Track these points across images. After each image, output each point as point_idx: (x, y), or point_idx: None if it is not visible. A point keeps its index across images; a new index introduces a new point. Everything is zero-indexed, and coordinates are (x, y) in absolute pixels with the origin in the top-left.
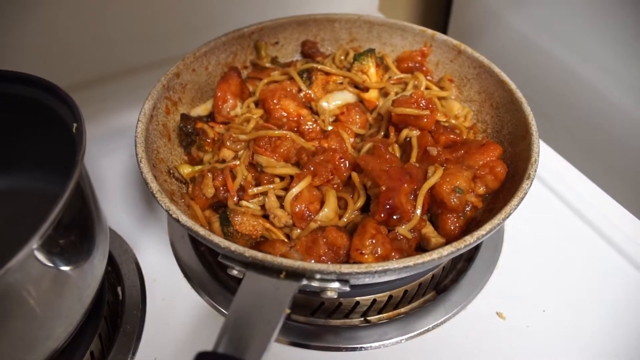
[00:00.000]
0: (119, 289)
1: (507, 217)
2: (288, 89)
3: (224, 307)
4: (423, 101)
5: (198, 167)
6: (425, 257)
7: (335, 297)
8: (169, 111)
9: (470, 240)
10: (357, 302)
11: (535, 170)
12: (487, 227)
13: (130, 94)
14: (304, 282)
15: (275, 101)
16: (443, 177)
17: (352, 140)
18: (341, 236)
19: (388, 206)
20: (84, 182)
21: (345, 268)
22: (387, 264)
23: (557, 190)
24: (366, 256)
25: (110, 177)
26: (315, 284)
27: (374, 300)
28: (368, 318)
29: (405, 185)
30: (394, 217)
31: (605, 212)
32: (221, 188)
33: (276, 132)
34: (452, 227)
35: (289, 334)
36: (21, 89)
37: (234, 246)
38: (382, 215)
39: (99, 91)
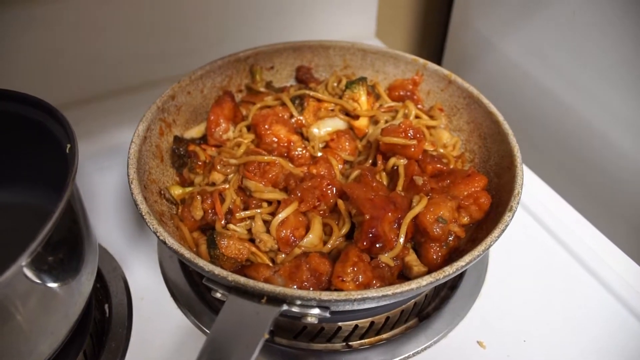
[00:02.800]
0: (106, 306)
1: (488, 248)
2: (280, 115)
3: (209, 328)
4: (411, 131)
5: (189, 189)
6: (404, 287)
7: (316, 322)
8: (162, 132)
9: (449, 271)
10: (339, 327)
11: (518, 203)
12: (467, 258)
13: (125, 112)
14: (285, 307)
15: (266, 126)
16: (427, 207)
17: (340, 167)
18: (324, 262)
19: (371, 235)
20: (75, 201)
21: (325, 295)
22: (366, 292)
23: (543, 221)
24: (347, 283)
25: (103, 194)
26: (295, 309)
27: (356, 326)
28: (350, 343)
29: (389, 214)
30: (377, 245)
31: (591, 245)
32: (210, 211)
33: (265, 158)
34: (435, 257)
35: (272, 357)
36: (17, 107)
37: (217, 270)
38: (365, 243)
39: (95, 109)
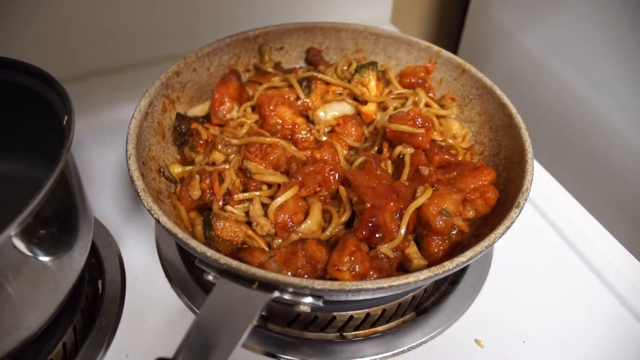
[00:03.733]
0: (99, 282)
1: (491, 245)
2: (286, 96)
3: None
4: (419, 119)
5: (188, 168)
6: (401, 280)
7: (309, 311)
8: (165, 109)
9: (449, 266)
10: (334, 317)
11: (526, 199)
12: (469, 254)
13: (129, 88)
14: (276, 294)
15: (271, 107)
16: (431, 199)
17: (345, 152)
18: (320, 250)
19: (371, 224)
20: (70, 174)
21: (319, 284)
22: (361, 283)
23: (551, 219)
24: (343, 273)
25: (102, 170)
26: (287, 297)
27: (351, 317)
28: (344, 334)
29: (392, 203)
30: (377, 235)
31: (600, 246)
32: (208, 191)
33: (267, 140)
34: (436, 250)
35: (264, 344)
36: (16, 76)
37: (210, 252)
38: (364, 232)
39: (98, 84)
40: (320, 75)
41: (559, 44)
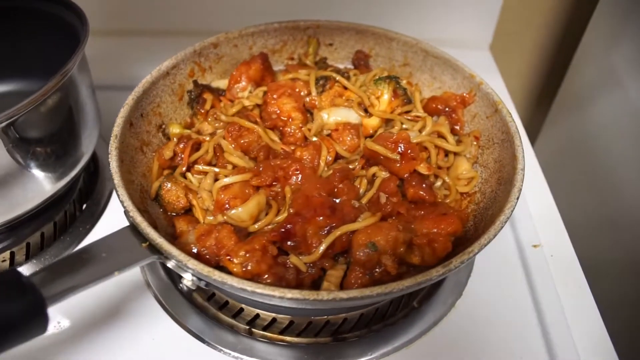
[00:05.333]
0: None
1: (386, 296)
2: (297, 90)
3: None
4: (402, 145)
5: (186, 131)
6: (245, 286)
7: (193, 287)
8: (192, 74)
9: (325, 297)
10: (292, 322)
11: (450, 271)
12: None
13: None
14: (156, 259)
15: (274, 96)
16: (367, 227)
17: (329, 158)
18: (230, 237)
19: (283, 230)
20: (86, 70)
21: (192, 264)
22: (216, 273)
23: None
24: (233, 265)
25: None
26: (171, 265)
27: (310, 322)
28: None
29: (320, 218)
30: (288, 242)
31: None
32: (180, 155)
33: (246, 123)
34: (353, 281)
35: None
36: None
37: (125, 201)
38: (274, 234)
39: (135, 42)
40: (338, 78)
41: None
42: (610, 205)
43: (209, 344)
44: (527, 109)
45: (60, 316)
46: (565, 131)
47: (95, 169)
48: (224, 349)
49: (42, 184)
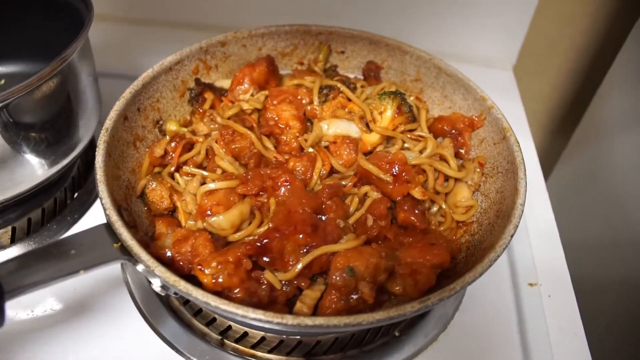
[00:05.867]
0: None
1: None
2: (298, 97)
3: None
4: (397, 167)
5: (183, 129)
6: (201, 297)
7: (163, 293)
8: (197, 72)
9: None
10: (264, 338)
11: (427, 307)
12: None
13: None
14: (126, 261)
15: (275, 102)
16: (349, 251)
17: (324, 172)
18: (206, 246)
19: (259, 244)
20: (89, 54)
21: (160, 271)
22: (176, 282)
23: None
24: (204, 275)
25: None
26: (139, 269)
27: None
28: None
29: (300, 236)
30: (264, 258)
31: None
32: (170, 154)
33: (240, 128)
34: (328, 305)
35: None
36: None
37: (105, 200)
38: (249, 248)
39: (146, 32)
40: (342, 88)
41: None
42: (622, 249)
43: (177, 351)
44: (546, 135)
45: (30, 302)
46: (583, 163)
47: (93, 157)
48: (192, 357)
49: (33, 169)
